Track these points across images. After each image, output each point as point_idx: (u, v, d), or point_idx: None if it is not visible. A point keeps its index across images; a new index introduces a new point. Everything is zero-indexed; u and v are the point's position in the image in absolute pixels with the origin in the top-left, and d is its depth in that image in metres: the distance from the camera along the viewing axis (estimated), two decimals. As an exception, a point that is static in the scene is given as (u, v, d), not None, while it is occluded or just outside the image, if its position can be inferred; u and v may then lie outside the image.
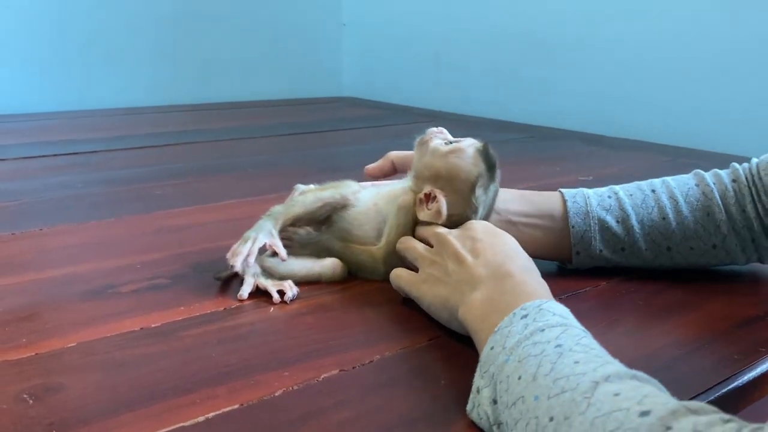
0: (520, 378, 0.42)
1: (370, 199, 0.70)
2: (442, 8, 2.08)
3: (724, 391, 0.52)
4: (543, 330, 0.45)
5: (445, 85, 2.08)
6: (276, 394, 0.48)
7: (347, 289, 0.68)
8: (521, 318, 0.47)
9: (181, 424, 0.44)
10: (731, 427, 0.32)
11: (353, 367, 0.53)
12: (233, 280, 0.68)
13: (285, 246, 0.67)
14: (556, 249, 0.71)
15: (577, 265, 0.72)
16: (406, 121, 1.76)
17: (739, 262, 0.72)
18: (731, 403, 0.52)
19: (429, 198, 0.65)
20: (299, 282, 0.67)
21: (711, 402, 0.48)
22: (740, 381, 0.53)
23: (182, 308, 0.62)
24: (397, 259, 0.68)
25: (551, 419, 0.38)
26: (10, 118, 1.73)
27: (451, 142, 0.66)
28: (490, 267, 0.55)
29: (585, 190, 0.73)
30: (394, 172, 0.75)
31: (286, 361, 0.53)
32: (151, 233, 0.85)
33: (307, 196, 0.70)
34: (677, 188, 0.71)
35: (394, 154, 0.75)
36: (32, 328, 0.58)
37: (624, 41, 1.65)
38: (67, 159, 1.30)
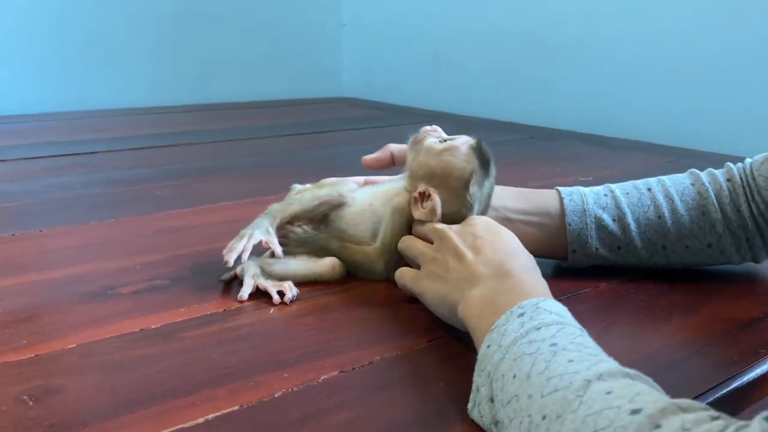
0: (515, 376, 0.43)
1: (365, 200, 0.70)
2: (442, 8, 2.08)
3: (724, 392, 0.52)
4: (539, 328, 0.45)
5: (445, 85, 2.08)
6: (276, 396, 0.48)
7: (347, 290, 0.68)
8: (518, 316, 0.48)
9: (181, 426, 0.44)
10: (718, 424, 0.32)
11: (353, 369, 0.53)
12: (233, 281, 0.68)
13: (281, 244, 0.67)
14: (552, 247, 0.71)
15: (573, 263, 0.72)
16: (406, 122, 1.76)
17: (734, 261, 0.72)
18: (731, 405, 0.52)
19: (423, 197, 0.65)
20: (299, 282, 0.67)
21: (711, 403, 0.48)
22: (740, 382, 0.53)
23: (182, 309, 0.62)
24: (394, 258, 0.68)
25: (544, 418, 0.38)
26: (10, 118, 1.73)
27: (445, 140, 0.66)
28: (491, 265, 0.55)
29: (581, 188, 0.73)
30: (392, 164, 0.75)
31: (286, 362, 0.53)
32: (151, 234, 0.85)
33: (305, 194, 0.70)
34: (673, 187, 0.72)
35: (394, 147, 0.75)
36: (32, 330, 0.58)
37: (624, 41, 1.65)
38: (66, 160, 1.30)
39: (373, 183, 0.74)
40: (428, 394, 0.50)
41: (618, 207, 0.71)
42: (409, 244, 0.65)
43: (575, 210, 0.70)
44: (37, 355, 0.53)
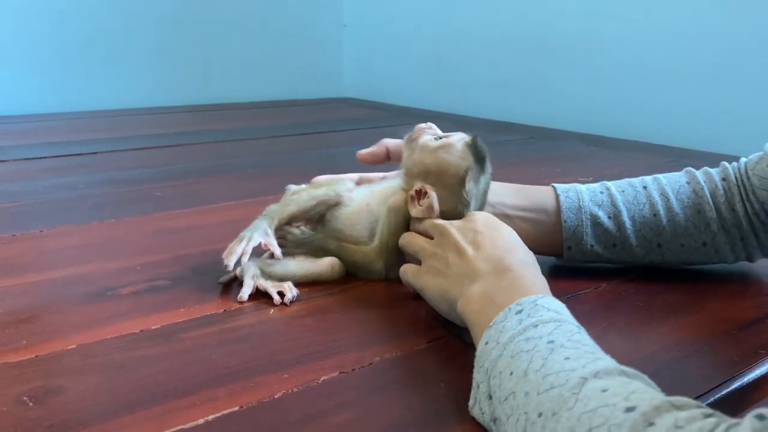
0: (512, 374, 0.43)
1: (362, 199, 0.70)
2: (443, 9, 2.08)
3: (724, 392, 0.52)
4: (536, 326, 0.46)
5: (446, 85, 2.08)
6: (276, 396, 0.49)
7: (347, 291, 0.68)
8: (516, 313, 0.48)
9: (181, 427, 0.44)
10: (711, 422, 0.32)
11: (353, 369, 0.53)
12: (233, 282, 0.68)
13: (279, 245, 0.67)
14: (548, 243, 0.71)
15: (568, 260, 0.72)
16: (407, 122, 1.75)
17: (729, 260, 0.72)
18: (731, 405, 0.52)
19: (420, 195, 0.65)
20: (298, 283, 0.67)
21: (711, 404, 0.48)
22: (740, 383, 0.53)
23: (182, 310, 0.62)
24: (392, 257, 0.68)
25: (540, 415, 0.38)
26: (10, 119, 1.73)
27: (440, 138, 0.66)
28: (491, 261, 0.55)
29: (578, 185, 0.73)
30: (387, 159, 0.75)
31: (286, 363, 0.53)
32: (152, 235, 0.86)
33: (302, 194, 0.70)
34: (668, 185, 0.72)
35: (389, 142, 0.75)
36: (32, 330, 0.58)
37: (624, 42, 1.65)
38: (67, 160, 1.30)
39: (368, 180, 0.74)
40: (428, 395, 0.50)
41: (614, 204, 0.71)
42: (410, 240, 0.65)
43: (571, 207, 0.71)
44: (37, 355, 0.54)
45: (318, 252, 0.70)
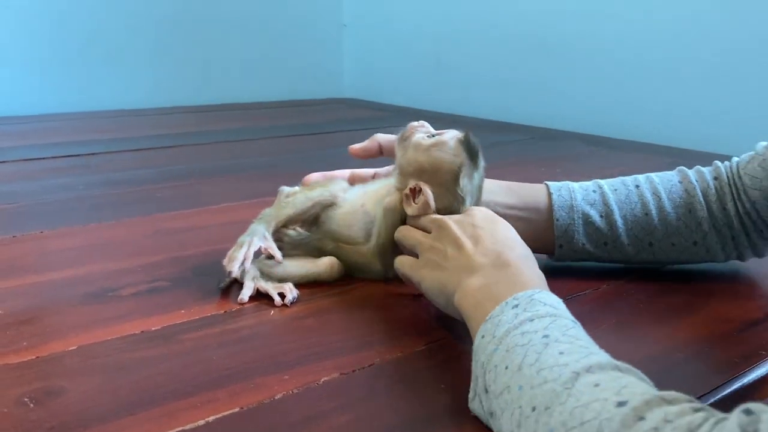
0: (507, 368, 0.43)
1: (357, 200, 0.70)
2: (443, 9, 2.08)
3: (725, 393, 0.52)
4: (532, 320, 0.46)
5: (446, 86, 2.08)
6: (276, 398, 0.48)
7: (347, 292, 0.68)
8: (512, 307, 0.48)
9: (182, 428, 0.44)
10: (700, 416, 0.33)
11: (353, 371, 0.53)
12: (233, 283, 0.68)
13: (278, 248, 0.67)
14: (539, 241, 0.71)
15: (560, 258, 0.73)
16: (407, 122, 1.76)
17: (719, 259, 0.72)
18: (732, 406, 0.51)
19: (415, 193, 0.65)
20: (299, 284, 0.67)
21: (712, 405, 0.48)
22: (741, 384, 0.53)
23: (183, 311, 0.62)
24: (389, 256, 0.68)
25: (533, 409, 0.39)
26: (10, 119, 1.73)
27: (432, 136, 0.66)
28: (489, 255, 0.56)
29: (570, 183, 0.73)
30: (379, 154, 0.74)
31: (287, 364, 0.53)
32: (152, 236, 0.86)
33: (297, 196, 0.70)
34: (661, 184, 0.72)
35: (381, 137, 0.74)
36: (33, 332, 0.58)
37: (624, 42, 1.65)
38: (67, 161, 1.30)
39: (360, 176, 0.74)
40: (429, 396, 0.50)
41: (606, 203, 0.71)
42: (407, 233, 0.65)
43: (563, 205, 0.71)
44: (37, 357, 0.54)
45: (315, 252, 0.70)
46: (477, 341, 0.48)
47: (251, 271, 0.66)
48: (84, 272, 0.72)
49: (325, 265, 0.69)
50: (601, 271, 0.74)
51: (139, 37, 2.02)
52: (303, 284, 0.67)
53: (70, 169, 1.22)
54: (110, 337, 0.57)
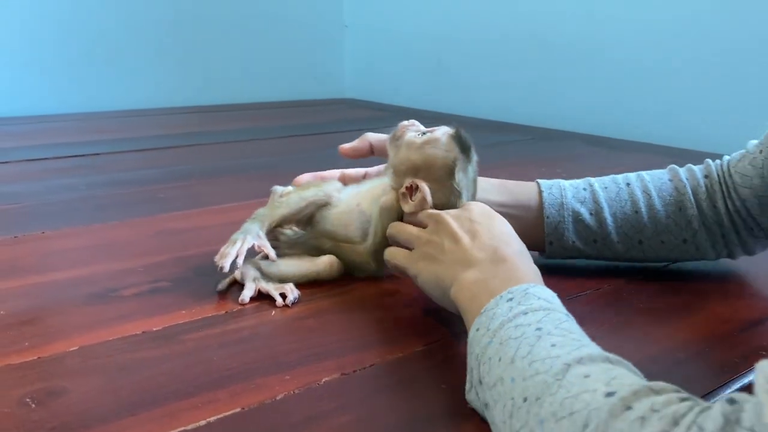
0: (500, 360, 0.43)
1: (352, 200, 0.70)
2: (444, 10, 2.08)
3: (725, 393, 0.52)
4: (526, 313, 0.46)
5: (447, 86, 2.08)
6: (277, 398, 0.49)
7: (347, 292, 0.68)
8: (507, 301, 0.48)
9: (183, 428, 0.45)
10: (686, 405, 0.33)
11: (354, 371, 0.53)
12: (234, 284, 0.68)
13: (273, 248, 0.67)
14: (530, 238, 0.71)
15: (550, 256, 0.73)
16: (408, 123, 1.76)
17: (710, 257, 0.73)
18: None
19: (411, 190, 0.65)
20: (299, 284, 0.67)
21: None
22: (742, 383, 0.53)
23: (184, 312, 0.62)
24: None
25: (525, 400, 0.39)
26: (14, 120, 1.74)
27: (424, 133, 0.66)
28: (486, 250, 0.56)
29: (561, 181, 0.74)
30: (370, 154, 0.75)
31: (287, 364, 0.53)
32: (154, 236, 0.86)
33: (291, 196, 0.71)
34: (651, 182, 0.72)
35: (372, 136, 0.75)
36: (35, 332, 0.58)
37: (624, 43, 1.65)
38: (70, 161, 1.30)
39: (350, 176, 0.75)
40: (430, 396, 0.50)
41: (596, 201, 0.71)
42: (401, 229, 0.65)
43: (553, 203, 0.71)
44: (39, 357, 0.54)
45: (313, 251, 0.70)
46: (472, 334, 0.49)
47: (251, 272, 0.66)
48: (86, 273, 0.72)
49: (324, 263, 0.69)
50: (601, 272, 0.74)
51: (140, 38, 2.03)
52: (303, 284, 0.67)
53: (72, 170, 1.23)
54: (112, 337, 0.57)
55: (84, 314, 0.62)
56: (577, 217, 0.71)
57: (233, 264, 0.65)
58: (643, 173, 0.74)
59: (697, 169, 0.73)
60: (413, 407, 0.49)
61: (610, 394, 0.35)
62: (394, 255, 0.65)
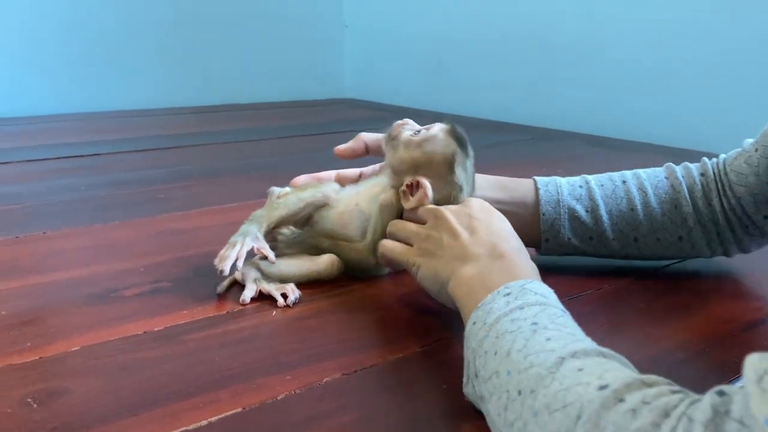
0: (496, 353, 0.44)
1: (351, 200, 0.70)
2: (444, 10, 2.08)
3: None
4: (522, 308, 0.47)
5: (447, 86, 2.08)
6: (278, 398, 0.49)
7: (349, 292, 0.68)
8: (504, 296, 0.49)
9: (184, 428, 0.45)
10: (676, 398, 0.34)
11: (355, 371, 0.53)
12: (234, 284, 0.68)
13: (271, 248, 0.68)
14: (526, 235, 0.71)
15: (546, 252, 0.73)
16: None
17: (705, 255, 0.73)
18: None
19: (412, 188, 0.66)
20: (300, 284, 0.67)
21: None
22: (742, 384, 0.53)
23: (185, 312, 0.62)
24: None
25: (519, 393, 0.40)
26: (14, 120, 1.74)
27: (418, 132, 0.67)
28: (485, 246, 0.56)
29: (558, 178, 0.74)
30: (366, 154, 0.75)
31: (289, 364, 0.54)
32: (155, 236, 0.86)
33: (289, 197, 0.71)
34: (647, 180, 0.73)
35: (367, 136, 0.75)
36: (36, 332, 0.58)
37: (624, 43, 1.65)
38: (71, 162, 1.30)
39: (346, 176, 0.75)
40: (431, 397, 0.50)
41: (592, 198, 0.72)
42: (400, 226, 0.66)
43: (550, 200, 0.72)
44: (41, 357, 0.54)
45: (311, 250, 0.70)
46: (468, 327, 0.49)
47: (252, 272, 0.66)
48: (87, 273, 0.72)
49: (325, 262, 0.69)
50: (601, 272, 0.74)
51: (141, 38, 2.03)
52: (304, 284, 0.68)
53: (72, 170, 1.23)
54: (113, 337, 0.57)
55: (85, 314, 0.62)
56: (573, 214, 0.71)
57: (233, 267, 0.65)
58: (640, 171, 0.74)
59: (693, 167, 0.73)
60: (414, 407, 0.49)
61: (603, 387, 0.36)
62: (391, 249, 0.65)
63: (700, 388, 0.51)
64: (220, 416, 0.46)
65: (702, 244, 0.71)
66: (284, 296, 0.65)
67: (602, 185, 0.73)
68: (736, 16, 1.46)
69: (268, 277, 0.67)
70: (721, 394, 0.31)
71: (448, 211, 0.61)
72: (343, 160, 0.76)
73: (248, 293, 0.65)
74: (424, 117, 0.76)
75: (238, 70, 2.20)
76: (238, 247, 0.65)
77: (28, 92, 1.86)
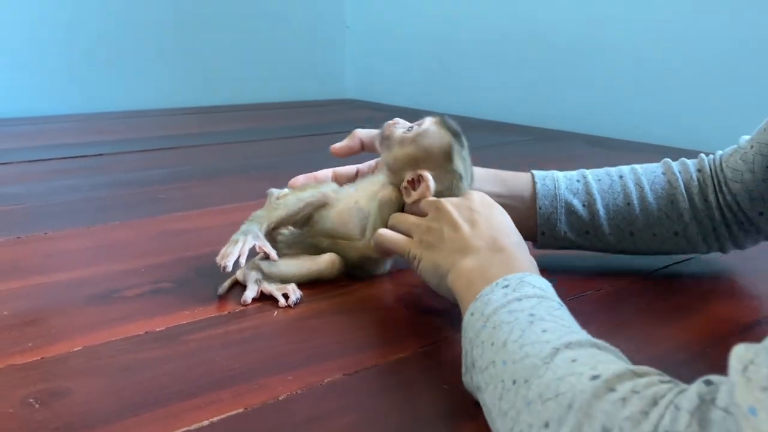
0: (492, 344, 0.44)
1: (350, 198, 0.71)
2: (444, 11, 2.09)
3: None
4: (520, 300, 0.47)
5: (447, 87, 2.08)
6: (280, 398, 0.49)
7: (351, 293, 0.69)
8: (502, 288, 0.49)
9: (186, 428, 0.45)
10: (665, 387, 0.34)
11: (356, 371, 0.53)
12: (235, 285, 0.68)
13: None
14: (523, 228, 0.71)
15: (542, 246, 0.74)
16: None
17: (701, 250, 0.73)
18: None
19: (414, 183, 0.66)
20: (301, 284, 0.67)
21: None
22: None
23: (186, 312, 0.62)
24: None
25: (514, 382, 0.40)
26: (16, 121, 1.74)
27: (410, 128, 0.67)
28: (485, 239, 0.57)
29: (556, 172, 0.74)
30: (361, 151, 0.75)
31: (290, 365, 0.54)
32: (156, 237, 0.86)
33: (288, 198, 0.71)
34: (644, 175, 0.73)
35: (362, 133, 0.75)
36: (38, 333, 0.58)
37: (624, 43, 1.65)
38: (72, 162, 1.30)
39: (343, 174, 0.75)
40: (432, 397, 0.50)
41: (588, 193, 0.72)
42: (401, 219, 0.66)
43: (547, 194, 0.72)
44: (42, 357, 0.54)
45: (311, 250, 0.70)
46: (466, 318, 0.50)
47: (254, 273, 0.67)
48: (89, 273, 0.72)
49: (326, 261, 0.69)
50: (602, 273, 0.74)
51: (141, 39, 2.03)
52: (305, 284, 0.68)
53: (73, 171, 1.23)
54: (115, 338, 0.57)
55: (86, 315, 0.62)
56: (569, 209, 0.72)
57: (235, 265, 0.65)
58: (637, 166, 0.75)
59: (691, 163, 0.73)
60: (415, 407, 0.49)
61: (594, 377, 0.36)
62: (390, 238, 0.65)
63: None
64: (221, 416, 0.46)
65: (698, 240, 0.72)
66: (285, 296, 0.65)
67: (599, 180, 0.73)
68: (736, 16, 1.46)
69: (269, 277, 0.67)
70: (708, 383, 0.32)
71: (449, 203, 0.62)
72: (340, 158, 0.76)
73: (250, 294, 0.65)
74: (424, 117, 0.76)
75: (238, 71, 2.20)
76: (240, 245, 0.66)
77: (28, 93, 1.87)
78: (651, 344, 0.60)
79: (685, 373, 0.55)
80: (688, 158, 0.75)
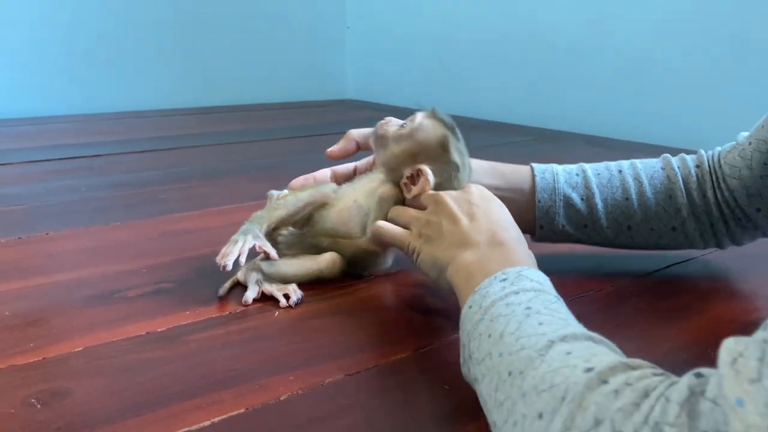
0: (489, 336, 0.45)
1: (349, 196, 0.71)
2: (445, 11, 2.09)
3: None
4: (517, 293, 0.47)
5: (448, 87, 2.08)
6: (281, 399, 0.49)
7: (352, 293, 0.69)
8: (500, 281, 0.50)
9: (187, 429, 0.45)
10: (657, 379, 0.34)
11: (358, 372, 0.53)
12: (236, 285, 0.68)
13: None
14: (521, 221, 0.71)
15: (540, 239, 0.74)
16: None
17: (698, 246, 0.73)
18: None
19: (413, 178, 0.66)
20: (302, 284, 0.67)
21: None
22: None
23: (187, 313, 0.62)
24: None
25: (510, 374, 0.41)
26: (15, 122, 1.74)
27: (403, 125, 0.68)
28: (484, 233, 0.57)
29: (555, 166, 0.75)
30: (357, 150, 0.76)
31: (291, 365, 0.54)
32: (156, 237, 0.86)
33: (288, 198, 0.71)
34: (643, 170, 0.73)
35: (356, 133, 0.76)
36: (39, 333, 0.58)
37: (625, 43, 1.65)
38: (72, 163, 1.30)
39: (341, 173, 0.76)
40: (433, 397, 0.50)
41: (587, 187, 0.72)
42: (401, 212, 0.66)
43: (546, 188, 0.72)
44: (44, 358, 0.54)
45: (311, 250, 0.70)
46: (464, 311, 0.50)
47: (254, 273, 0.67)
48: (89, 274, 0.72)
49: (327, 261, 0.69)
50: (604, 273, 0.74)
51: (141, 39, 2.03)
52: (305, 285, 0.68)
53: (73, 171, 1.23)
54: (116, 338, 0.57)
55: (87, 315, 0.62)
56: (568, 202, 0.72)
57: (236, 265, 0.65)
58: (636, 161, 0.75)
59: (690, 159, 0.73)
60: (417, 408, 0.49)
61: (588, 370, 0.37)
62: (389, 231, 0.65)
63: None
64: (223, 417, 0.46)
65: (695, 235, 0.72)
66: (286, 297, 0.65)
67: (598, 174, 0.73)
68: (736, 16, 1.46)
69: (270, 278, 0.67)
70: (698, 375, 0.33)
71: (448, 196, 0.62)
72: (337, 160, 0.76)
73: (251, 294, 0.65)
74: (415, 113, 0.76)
75: (238, 71, 2.20)
76: (240, 244, 0.66)
77: (28, 93, 1.87)
78: (651, 344, 0.60)
79: (685, 374, 0.55)
80: None
